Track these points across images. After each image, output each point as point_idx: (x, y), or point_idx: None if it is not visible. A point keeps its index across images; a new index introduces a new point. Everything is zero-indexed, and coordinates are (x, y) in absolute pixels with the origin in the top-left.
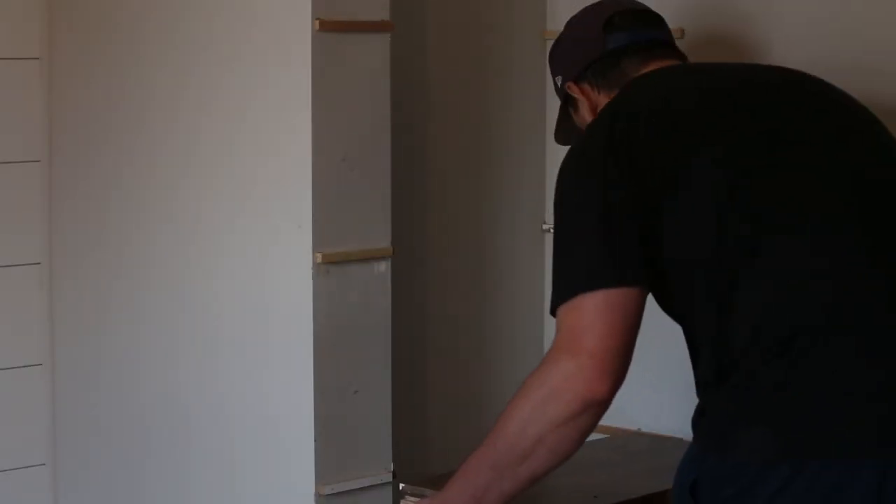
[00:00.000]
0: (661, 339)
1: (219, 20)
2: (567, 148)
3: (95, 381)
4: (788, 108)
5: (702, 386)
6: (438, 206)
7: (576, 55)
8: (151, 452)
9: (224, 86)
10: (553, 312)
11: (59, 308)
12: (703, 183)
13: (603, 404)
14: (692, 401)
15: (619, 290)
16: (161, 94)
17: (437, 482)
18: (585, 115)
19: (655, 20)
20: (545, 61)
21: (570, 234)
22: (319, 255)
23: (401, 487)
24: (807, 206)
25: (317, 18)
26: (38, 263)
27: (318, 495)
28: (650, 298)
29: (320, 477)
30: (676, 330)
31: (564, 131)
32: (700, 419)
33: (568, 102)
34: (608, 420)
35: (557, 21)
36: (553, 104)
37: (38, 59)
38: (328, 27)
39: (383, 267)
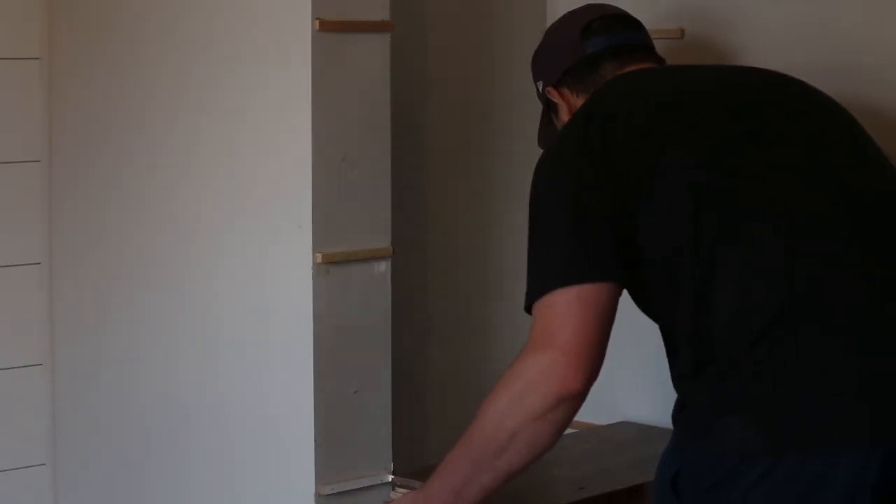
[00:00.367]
0: (647, 329)
1: (219, 20)
2: None
3: (95, 381)
4: (770, 110)
5: (679, 379)
6: (438, 206)
7: (555, 60)
8: (151, 452)
9: (224, 86)
10: (527, 309)
11: (59, 308)
12: (680, 183)
13: (577, 398)
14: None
15: (593, 285)
16: (161, 94)
17: (429, 474)
18: (565, 119)
19: (634, 24)
20: None
21: (543, 233)
22: (319, 255)
23: (391, 479)
24: (791, 206)
25: (317, 18)
26: (38, 263)
27: (318, 495)
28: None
29: (320, 477)
30: None
31: (547, 136)
32: (680, 413)
33: (549, 107)
34: (595, 412)
35: None
36: None
37: (38, 59)
38: (328, 27)
39: (383, 267)
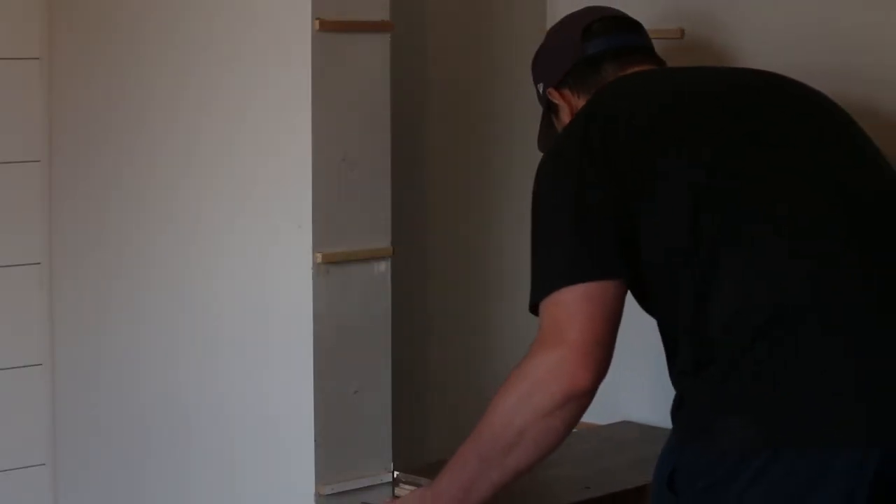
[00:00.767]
0: (647, 329)
1: (219, 20)
2: None
3: (95, 381)
4: (772, 111)
5: (679, 376)
6: (438, 206)
7: (556, 62)
8: (151, 452)
9: (224, 86)
10: (532, 310)
11: (59, 308)
12: (681, 184)
13: (586, 395)
14: None
15: (598, 283)
16: (161, 94)
17: (433, 471)
18: (566, 121)
19: (634, 26)
20: None
21: (547, 233)
22: (319, 255)
23: (395, 476)
24: (791, 207)
25: (317, 18)
26: (38, 263)
27: (318, 495)
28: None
29: (320, 477)
30: None
31: (547, 139)
32: (678, 411)
33: (550, 109)
34: (595, 412)
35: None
36: None
37: (38, 59)
38: (328, 27)
39: (383, 267)
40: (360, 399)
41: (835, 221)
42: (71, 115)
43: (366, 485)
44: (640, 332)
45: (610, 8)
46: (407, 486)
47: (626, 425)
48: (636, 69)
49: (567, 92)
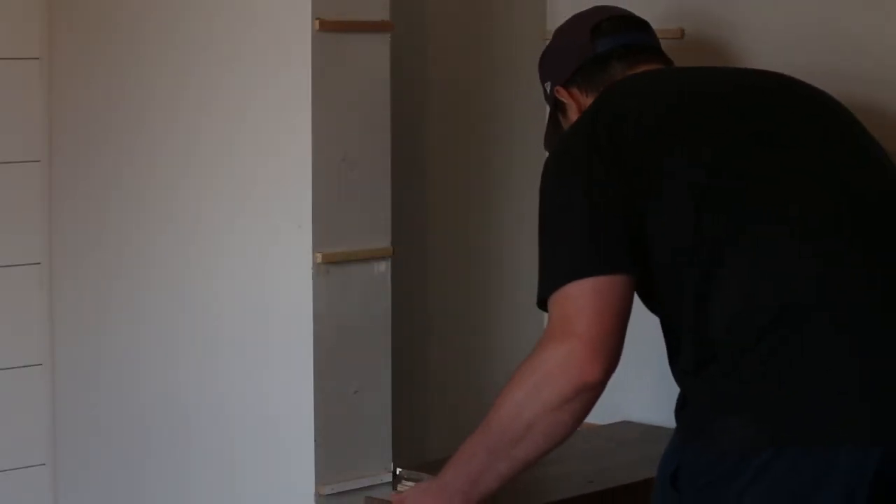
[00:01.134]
0: (649, 330)
1: (219, 20)
2: None
3: (95, 381)
4: (779, 112)
5: (682, 375)
6: (438, 206)
7: (564, 60)
8: (151, 452)
9: (224, 86)
10: (540, 305)
11: (59, 308)
12: (687, 184)
13: (596, 388)
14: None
15: (607, 277)
16: (161, 94)
17: (434, 468)
18: (574, 119)
19: (641, 25)
20: None
21: (555, 230)
22: (319, 255)
23: (398, 472)
24: (796, 207)
25: (317, 18)
26: (38, 263)
27: (318, 495)
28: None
29: (320, 477)
30: None
31: (554, 138)
32: (682, 410)
33: (557, 108)
34: (596, 412)
35: (557, 22)
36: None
37: (38, 59)
38: (328, 27)
39: (383, 267)
40: (360, 399)
41: (840, 221)
42: (71, 115)
43: (366, 485)
44: (641, 333)
45: (617, 7)
46: (409, 482)
47: (627, 425)
48: (644, 68)
49: (575, 90)
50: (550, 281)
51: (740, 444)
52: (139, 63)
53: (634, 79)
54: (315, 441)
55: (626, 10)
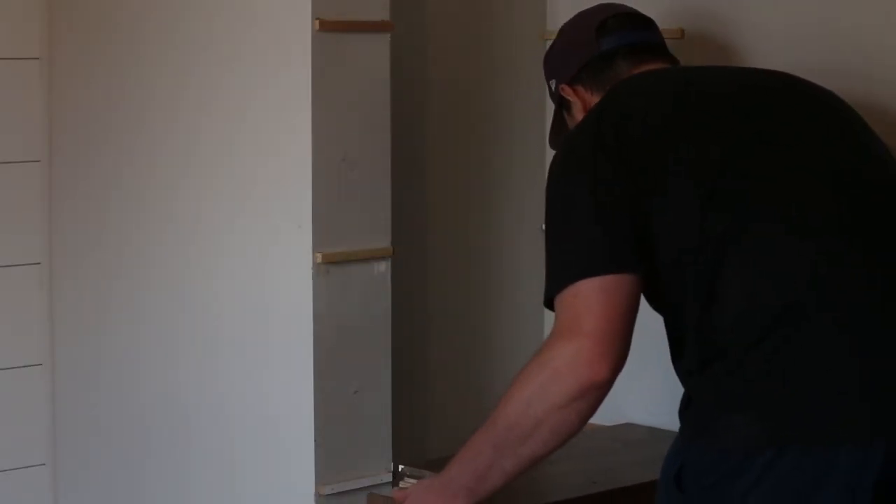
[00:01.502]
0: (652, 332)
1: (219, 20)
2: None
3: (95, 381)
4: (784, 111)
5: (686, 375)
6: (438, 206)
7: (570, 58)
8: (151, 452)
9: (224, 86)
10: (547, 304)
11: (59, 308)
12: (692, 184)
13: (603, 386)
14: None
15: (615, 276)
16: (161, 94)
17: (435, 466)
18: (579, 117)
19: (647, 23)
20: None
21: (562, 230)
22: (319, 255)
23: (399, 469)
24: (799, 206)
25: (317, 18)
26: (38, 263)
27: (318, 495)
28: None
29: (320, 477)
30: None
31: (559, 136)
32: (686, 409)
33: (563, 106)
34: (601, 414)
35: (557, 21)
36: (552, 104)
37: (38, 59)
38: (328, 27)
39: (383, 267)
40: (360, 399)
41: (841, 220)
42: (71, 115)
43: (366, 485)
44: (646, 335)
45: (622, 5)
46: (411, 479)
47: (631, 427)
48: (650, 67)
49: (580, 88)
50: (558, 280)
51: (744, 442)
52: (139, 63)
53: (640, 78)
54: (315, 441)
55: (630, 8)
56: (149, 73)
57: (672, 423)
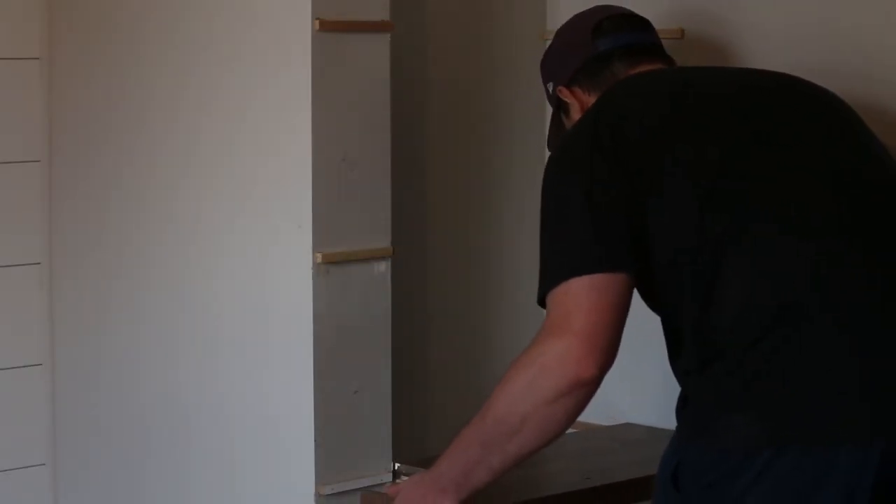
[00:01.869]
0: (653, 332)
1: (219, 20)
2: None
3: (95, 381)
4: (782, 111)
5: (684, 375)
6: (438, 206)
7: (566, 60)
8: (151, 452)
9: (224, 86)
10: (541, 302)
11: (59, 308)
12: (689, 184)
13: (591, 384)
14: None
15: (607, 275)
16: (161, 94)
17: (433, 464)
18: (576, 118)
19: (643, 24)
20: None
21: (556, 228)
22: (319, 255)
23: (396, 467)
24: (798, 207)
25: (317, 18)
26: (38, 263)
27: (318, 495)
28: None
29: (320, 477)
30: None
31: (557, 138)
32: (683, 408)
33: (561, 109)
34: (598, 414)
35: (557, 22)
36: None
37: (38, 59)
38: (328, 27)
39: (383, 267)
40: (360, 399)
41: (841, 220)
42: (71, 115)
43: (366, 485)
44: (647, 336)
45: (618, 6)
46: (406, 478)
47: (630, 427)
48: (646, 68)
49: (578, 90)
50: (550, 278)
51: (744, 442)
52: (139, 63)
53: (637, 78)
54: (315, 441)
55: (627, 9)
56: (149, 73)
57: (672, 423)
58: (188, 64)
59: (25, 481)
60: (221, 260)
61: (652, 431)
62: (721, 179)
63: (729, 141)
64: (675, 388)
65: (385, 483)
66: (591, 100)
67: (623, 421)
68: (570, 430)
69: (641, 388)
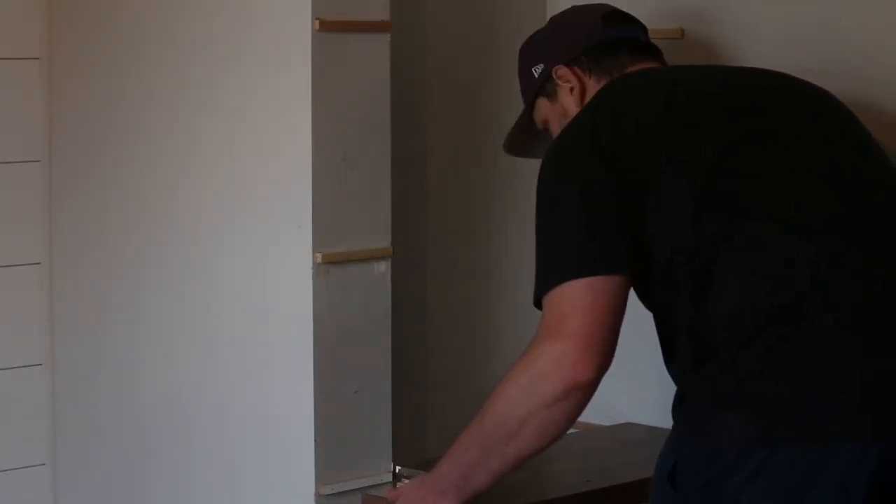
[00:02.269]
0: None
1: (219, 20)
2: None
3: (95, 381)
4: (778, 110)
5: (680, 374)
6: (438, 206)
7: (571, 40)
8: (151, 452)
9: (224, 86)
10: (536, 304)
11: (59, 308)
12: (685, 183)
13: (588, 387)
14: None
15: (602, 277)
16: (161, 94)
17: (433, 466)
18: (566, 103)
19: (641, 24)
20: None
21: (552, 228)
22: (319, 255)
23: (397, 470)
24: (793, 206)
25: (317, 18)
26: (38, 263)
27: (318, 495)
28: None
29: (320, 477)
30: None
31: (519, 138)
32: (679, 406)
33: (543, 93)
34: (598, 414)
35: None
36: None
37: (38, 59)
38: (328, 27)
39: (383, 267)
40: (360, 399)
41: (841, 220)
42: (71, 115)
43: (366, 485)
44: (647, 336)
45: (610, 5)
46: (408, 480)
47: (630, 427)
48: (646, 65)
49: (578, 70)
50: (546, 280)
51: (738, 441)
52: (139, 63)
53: (634, 76)
54: (315, 441)
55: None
56: (149, 73)
57: (671, 422)
58: (188, 64)
59: (25, 481)
60: (221, 260)
61: (652, 431)
62: (716, 178)
63: (724, 140)
64: (674, 388)
65: (385, 483)
66: (589, 83)
67: (623, 420)
68: (570, 431)
69: (641, 388)
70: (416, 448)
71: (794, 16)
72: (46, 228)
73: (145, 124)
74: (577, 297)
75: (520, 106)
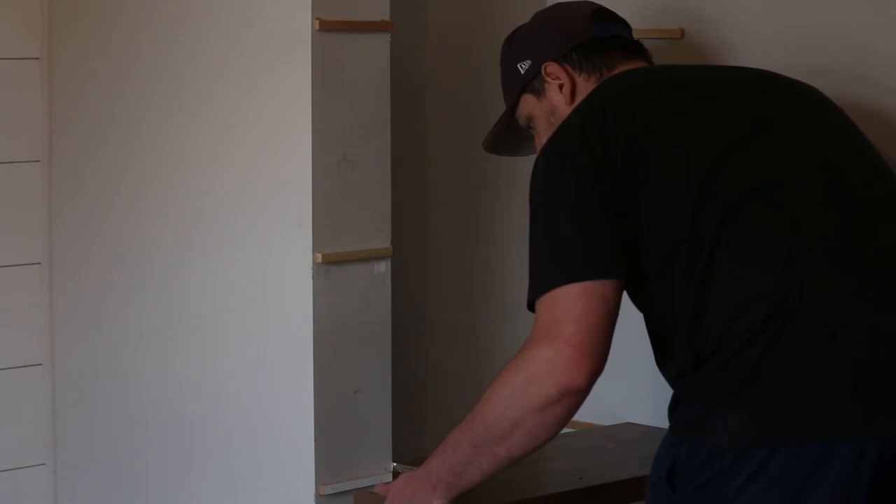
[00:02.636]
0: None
1: (219, 20)
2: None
3: (95, 380)
4: (772, 109)
5: (676, 374)
6: (438, 206)
7: (561, 36)
8: (151, 452)
9: (224, 86)
10: (530, 307)
11: (59, 308)
12: (680, 183)
13: (581, 392)
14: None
15: (596, 282)
16: (161, 94)
17: None
18: (555, 100)
19: (626, 23)
20: None
21: (545, 232)
22: (319, 255)
23: (393, 467)
24: (789, 205)
25: (317, 18)
26: (38, 263)
27: (318, 495)
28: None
29: (320, 477)
30: None
31: (500, 137)
32: (676, 407)
33: (529, 89)
34: (597, 415)
35: None
36: None
37: (38, 59)
38: (328, 27)
39: (383, 267)
40: (360, 399)
41: (835, 218)
42: (71, 115)
43: (366, 485)
44: (643, 335)
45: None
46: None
47: (629, 426)
48: (636, 64)
49: (568, 67)
50: (540, 284)
51: (737, 440)
52: (139, 63)
53: (626, 76)
54: (315, 441)
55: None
56: (149, 73)
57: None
58: (188, 64)
59: (25, 481)
60: (221, 260)
61: (648, 430)
62: (713, 178)
63: (718, 139)
64: (669, 390)
65: (385, 483)
66: (579, 80)
67: (620, 420)
68: (567, 430)
69: (638, 387)
70: (416, 448)
71: (793, 16)
72: (46, 228)
73: (145, 124)
74: (570, 301)
75: None
